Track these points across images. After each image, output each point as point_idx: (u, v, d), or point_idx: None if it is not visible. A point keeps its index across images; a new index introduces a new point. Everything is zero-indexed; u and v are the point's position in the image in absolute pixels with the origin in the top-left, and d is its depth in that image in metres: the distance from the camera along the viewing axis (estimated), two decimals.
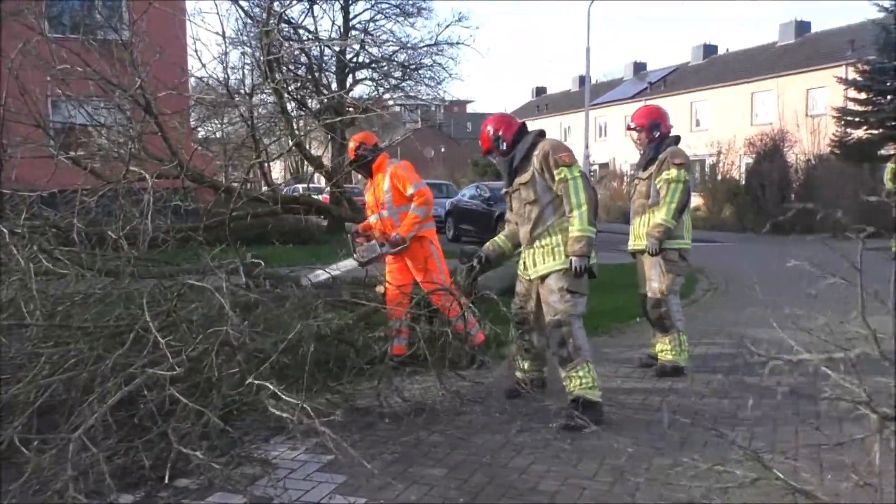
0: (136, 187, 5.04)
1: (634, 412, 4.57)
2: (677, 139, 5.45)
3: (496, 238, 4.99)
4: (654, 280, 5.37)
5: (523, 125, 4.71)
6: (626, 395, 4.95)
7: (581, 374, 4.28)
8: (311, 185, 19.33)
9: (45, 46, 5.63)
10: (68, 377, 3.78)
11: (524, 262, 4.59)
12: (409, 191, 5.52)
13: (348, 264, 5.83)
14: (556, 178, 4.31)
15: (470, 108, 71.75)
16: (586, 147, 19.10)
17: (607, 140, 44.49)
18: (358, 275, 6.40)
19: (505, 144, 4.60)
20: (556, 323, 4.36)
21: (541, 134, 4.62)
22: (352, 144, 5.72)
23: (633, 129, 5.52)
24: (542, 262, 4.45)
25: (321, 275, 5.85)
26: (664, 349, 5.42)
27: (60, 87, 5.52)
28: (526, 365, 4.90)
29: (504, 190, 4.72)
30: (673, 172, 5.22)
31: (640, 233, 5.47)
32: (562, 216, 4.38)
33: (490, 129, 4.66)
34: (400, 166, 5.63)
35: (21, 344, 3.99)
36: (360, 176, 6.33)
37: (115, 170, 5.78)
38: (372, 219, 5.78)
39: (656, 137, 5.42)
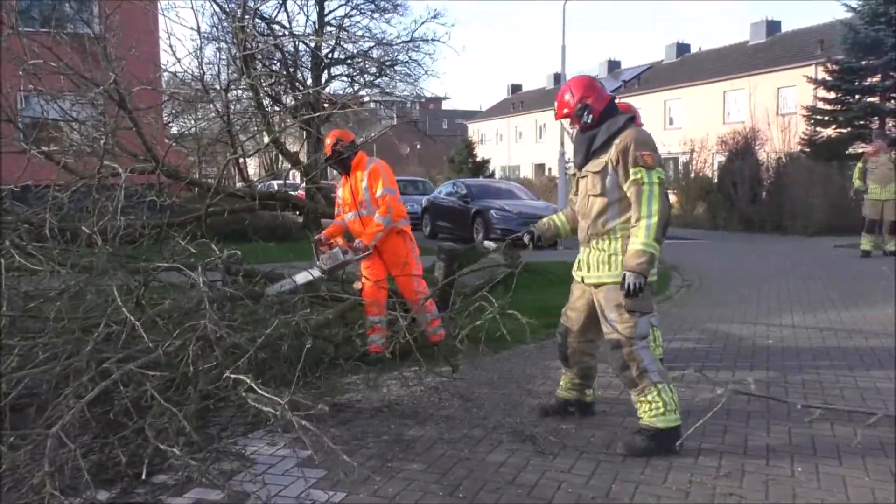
0: (110, 182, 4.98)
1: (610, 407, 4.63)
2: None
3: (555, 216, 4.41)
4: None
5: (613, 100, 4.03)
6: (602, 391, 5.00)
7: (650, 398, 3.78)
8: (287, 182, 19.19)
9: (17, 41, 5.54)
10: (41, 371, 3.74)
11: (579, 261, 4.04)
12: (378, 192, 5.52)
13: (307, 276, 5.64)
14: (630, 177, 3.71)
15: (445, 105, 71.89)
16: (561, 145, 19.23)
17: None
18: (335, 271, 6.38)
19: (591, 117, 3.91)
20: (615, 343, 3.83)
21: (631, 119, 3.95)
22: (329, 140, 5.70)
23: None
24: (595, 268, 3.90)
25: (287, 284, 5.76)
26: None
27: (33, 81, 5.43)
28: (563, 381, 4.38)
29: (571, 171, 4.12)
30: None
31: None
32: (627, 220, 3.79)
33: (574, 94, 3.94)
34: (380, 165, 5.63)
35: None
36: (334, 172, 6.30)
37: (88, 165, 5.71)
38: (348, 216, 5.75)
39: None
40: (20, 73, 5.31)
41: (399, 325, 5.64)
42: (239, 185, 10.35)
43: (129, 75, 5.79)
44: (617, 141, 3.77)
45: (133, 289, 4.38)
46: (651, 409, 3.79)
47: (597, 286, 3.91)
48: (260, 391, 3.29)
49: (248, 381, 3.33)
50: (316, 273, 5.59)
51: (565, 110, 3.97)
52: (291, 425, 3.40)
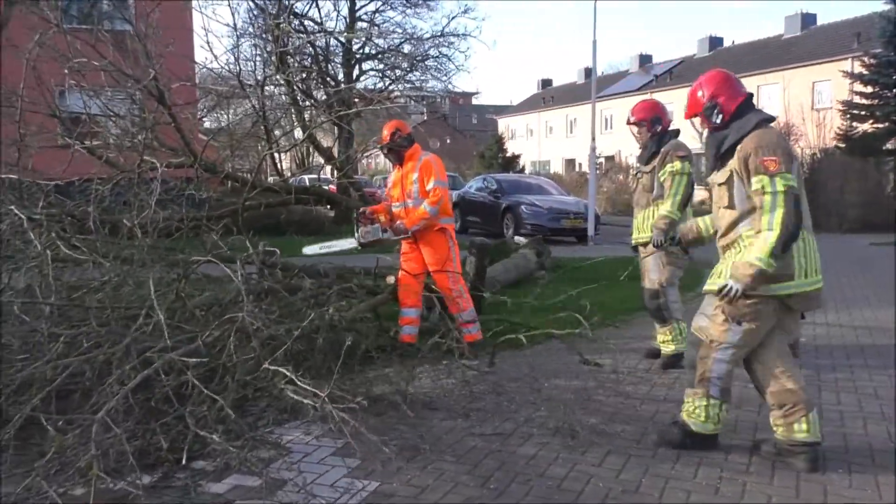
0: (150, 176, 5.11)
1: (641, 402, 4.64)
2: (677, 132, 5.51)
3: (699, 219, 4.17)
4: (653, 271, 5.44)
5: (749, 98, 3.70)
6: (633, 387, 5.02)
7: (696, 403, 3.71)
8: (320, 177, 19.36)
9: (61, 38, 5.69)
10: (86, 358, 3.86)
11: (714, 273, 3.73)
12: (429, 185, 5.55)
13: (344, 244, 5.87)
14: (752, 187, 3.43)
15: (475, 100, 71.59)
16: (592, 140, 19.09)
17: (613, 133, 44.36)
18: (367, 264, 6.48)
19: (721, 117, 3.66)
20: (695, 341, 3.71)
21: (767, 120, 3.60)
22: (386, 131, 5.71)
23: (634, 123, 5.56)
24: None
25: (325, 247, 5.94)
26: (665, 340, 5.52)
27: (76, 77, 5.58)
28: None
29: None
30: (677, 165, 5.27)
31: (643, 226, 5.52)
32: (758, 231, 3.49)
33: (705, 91, 3.72)
34: (433, 159, 5.64)
35: (38, 324, 4.06)
36: (373, 166, 6.36)
37: (128, 159, 5.85)
38: (395, 206, 5.78)
39: (658, 132, 5.48)
40: (65, 70, 5.45)
41: (432, 316, 5.72)
42: (271, 179, 10.46)
43: (167, 71, 5.91)
44: (740, 147, 3.51)
45: (172, 281, 4.49)
46: (693, 411, 3.75)
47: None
48: (300, 383, 3.36)
49: (288, 373, 3.40)
50: (352, 244, 5.72)
51: (692, 110, 3.77)
52: (329, 416, 3.47)
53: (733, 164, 3.53)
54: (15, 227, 4.45)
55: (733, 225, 3.58)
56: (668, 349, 5.50)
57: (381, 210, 5.88)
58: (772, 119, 3.65)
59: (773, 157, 3.39)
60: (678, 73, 43.95)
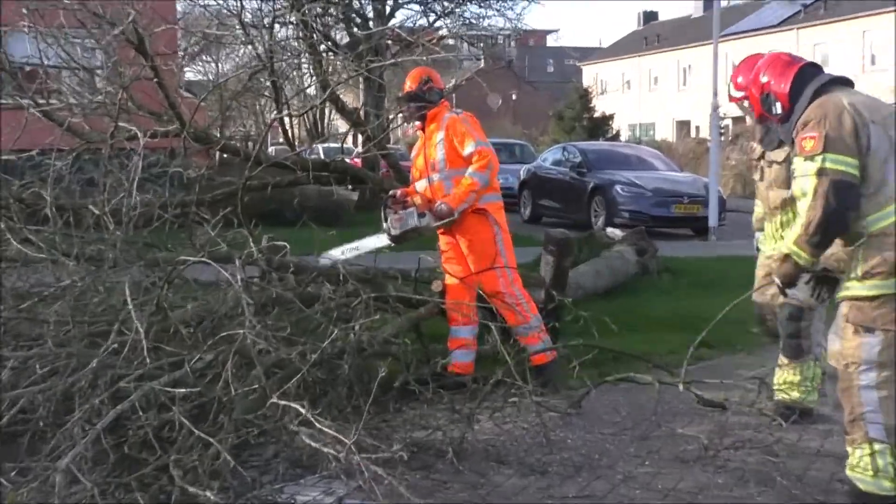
0: (124, 148, 5.27)
1: (786, 455, 4.59)
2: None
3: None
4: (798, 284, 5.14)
5: (802, 69, 4.07)
6: (771, 434, 4.96)
7: (859, 454, 3.77)
8: (345, 147, 19.48)
9: None
10: (39, 389, 4.00)
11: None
12: (467, 149, 5.57)
13: (373, 242, 5.93)
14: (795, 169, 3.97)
15: (551, 41, 71.25)
16: (714, 95, 18.76)
17: None
18: (407, 265, 6.51)
19: (780, 105, 4.09)
20: (833, 373, 3.93)
21: (827, 85, 3.98)
22: (412, 81, 5.79)
23: (743, 97, 4.94)
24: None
25: (349, 251, 5.99)
26: (790, 381, 5.27)
27: (31, 18, 5.76)
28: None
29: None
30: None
31: (777, 235, 5.24)
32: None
33: (753, 89, 4.24)
34: (461, 118, 5.72)
35: None
36: (411, 132, 6.37)
37: (95, 126, 6.02)
38: (419, 185, 5.88)
39: (780, 112, 5.16)
40: (24, 10, 5.61)
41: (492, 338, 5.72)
42: (271, 150, 10.57)
43: (149, 10, 6.06)
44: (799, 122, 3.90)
45: (152, 286, 4.63)
46: (857, 465, 3.78)
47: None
48: (319, 424, 3.44)
49: (302, 410, 3.49)
50: (382, 240, 5.80)
51: (758, 110, 4.26)
52: (356, 470, 3.55)
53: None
54: None
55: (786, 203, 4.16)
56: (791, 395, 5.29)
57: (419, 193, 5.93)
58: (838, 81, 3.99)
59: (813, 133, 3.73)
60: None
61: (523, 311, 5.69)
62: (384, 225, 5.74)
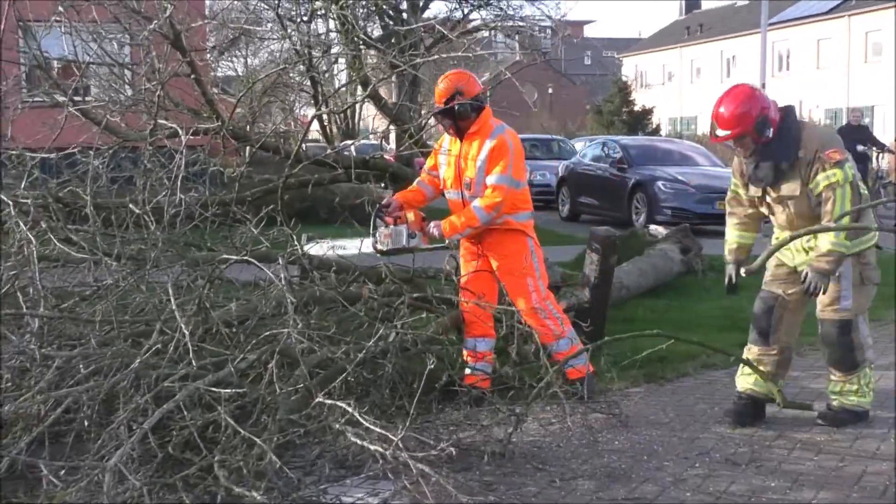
0: (163, 146, 5.38)
1: (840, 459, 4.61)
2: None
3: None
4: (846, 293, 5.03)
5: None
6: (826, 436, 4.97)
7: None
8: (383, 145, 19.56)
9: None
10: (84, 389, 4.12)
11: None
12: (491, 178, 5.39)
13: (356, 246, 5.90)
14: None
15: (589, 32, 70.90)
16: (762, 87, 18.77)
17: (791, 75, 43.46)
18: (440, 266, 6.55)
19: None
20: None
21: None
22: (443, 86, 5.49)
23: (732, 138, 5.06)
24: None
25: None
26: (844, 390, 5.17)
27: (68, 15, 5.89)
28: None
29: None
30: (837, 173, 4.84)
31: (805, 247, 5.07)
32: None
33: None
34: (510, 137, 5.50)
35: (21, 342, 4.33)
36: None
37: (131, 123, 6.15)
38: (450, 195, 5.70)
39: (770, 136, 4.99)
40: (59, 7, 5.75)
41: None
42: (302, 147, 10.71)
43: (182, 5, 6.17)
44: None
45: (194, 286, 4.74)
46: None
47: None
48: (367, 423, 3.52)
49: (349, 409, 3.57)
50: (365, 247, 5.74)
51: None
52: (402, 469, 3.62)
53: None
54: None
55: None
56: (848, 400, 5.23)
57: (414, 200, 5.75)
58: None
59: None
60: None
61: (558, 324, 5.60)
62: (372, 237, 5.62)
